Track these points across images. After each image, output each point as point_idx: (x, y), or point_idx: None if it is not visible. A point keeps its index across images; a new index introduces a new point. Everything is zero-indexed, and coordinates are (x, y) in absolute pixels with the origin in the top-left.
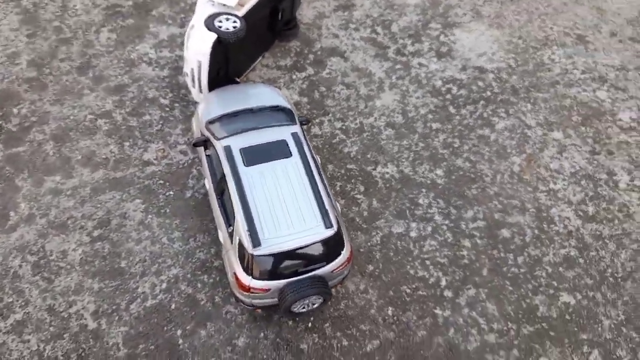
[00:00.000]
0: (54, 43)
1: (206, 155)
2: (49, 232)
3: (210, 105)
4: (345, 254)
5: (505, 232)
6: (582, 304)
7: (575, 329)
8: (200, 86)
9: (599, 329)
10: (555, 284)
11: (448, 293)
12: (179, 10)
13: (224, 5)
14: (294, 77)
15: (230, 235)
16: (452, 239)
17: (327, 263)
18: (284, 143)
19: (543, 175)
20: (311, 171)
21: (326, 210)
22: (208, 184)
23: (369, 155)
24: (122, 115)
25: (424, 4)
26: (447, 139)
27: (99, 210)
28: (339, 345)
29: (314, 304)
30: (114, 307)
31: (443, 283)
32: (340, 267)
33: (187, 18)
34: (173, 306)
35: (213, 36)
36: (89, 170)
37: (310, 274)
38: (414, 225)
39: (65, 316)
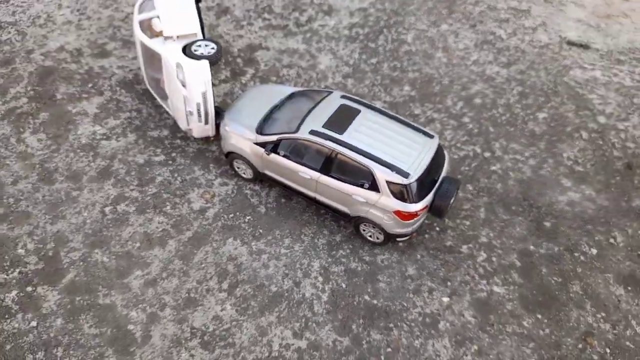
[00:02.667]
0: None
1: (282, 155)
2: (185, 314)
3: (241, 120)
4: (446, 154)
5: (477, 100)
6: (556, 111)
7: (569, 122)
8: (206, 117)
9: (591, 118)
10: (534, 109)
11: (487, 154)
12: (81, 81)
13: (185, 35)
14: (243, 81)
15: (372, 188)
16: (455, 123)
17: (443, 164)
18: (345, 106)
19: (461, 55)
20: (384, 111)
21: (419, 128)
22: (307, 175)
23: None
24: (135, 191)
25: None
26: (390, 65)
27: (208, 269)
28: (479, 220)
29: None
30: (303, 320)
31: (478, 150)
32: (447, 164)
33: (96, 86)
34: (344, 285)
35: (206, 63)
36: (159, 249)
37: (440, 178)
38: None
39: (276, 355)
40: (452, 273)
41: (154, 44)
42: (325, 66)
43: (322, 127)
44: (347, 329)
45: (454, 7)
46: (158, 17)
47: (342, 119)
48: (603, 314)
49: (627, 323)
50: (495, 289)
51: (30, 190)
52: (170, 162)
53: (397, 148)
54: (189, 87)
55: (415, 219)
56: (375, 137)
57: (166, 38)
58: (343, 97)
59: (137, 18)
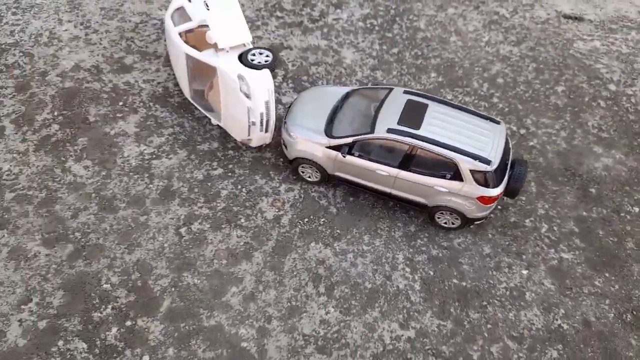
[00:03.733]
0: (40, 209)
1: (358, 155)
2: (292, 323)
3: (306, 125)
4: (509, 137)
5: (499, 79)
6: (572, 84)
7: (585, 92)
8: (267, 126)
9: (602, 87)
10: (552, 83)
11: (522, 131)
12: (110, 100)
13: (236, 45)
14: (276, 83)
15: (455, 177)
16: (487, 104)
17: (510, 147)
18: (412, 102)
19: (473, 37)
20: (449, 102)
21: (485, 115)
22: (385, 172)
23: None
24: (204, 207)
25: None
26: (412, 53)
27: (300, 275)
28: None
29: None
30: (404, 311)
31: (514, 128)
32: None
33: (127, 104)
34: (431, 273)
35: (268, 72)
36: (247, 262)
37: (509, 161)
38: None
39: (390, 348)
40: (523, 246)
41: (207, 57)
42: (351, 60)
43: (398, 124)
44: (446, 312)
45: None
46: (206, 27)
47: (413, 114)
48: None
49: None
50: (564, 255)
51: (95, 222)
52: (229, 174)
53: (472, 137)
54: (254, 98)
55: (492, 204)
56: (449, 128)
57: (218, 50)
58: (406, 92)
59: (174, 30)
